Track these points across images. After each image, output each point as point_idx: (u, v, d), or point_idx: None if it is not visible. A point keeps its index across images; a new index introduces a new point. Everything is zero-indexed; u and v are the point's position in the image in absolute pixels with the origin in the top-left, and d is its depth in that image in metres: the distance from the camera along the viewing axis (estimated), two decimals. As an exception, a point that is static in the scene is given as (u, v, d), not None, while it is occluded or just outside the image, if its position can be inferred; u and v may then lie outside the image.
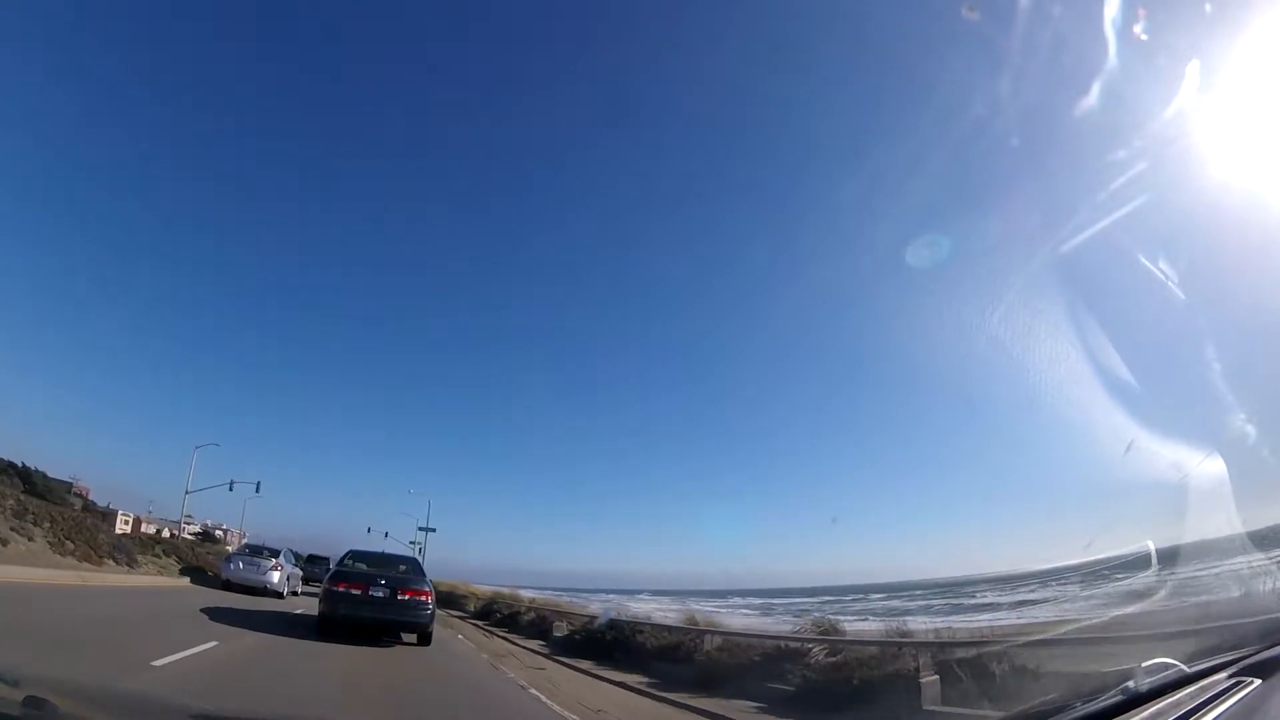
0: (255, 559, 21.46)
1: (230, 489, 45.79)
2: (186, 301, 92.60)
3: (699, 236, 79.09)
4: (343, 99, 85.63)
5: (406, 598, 11.81)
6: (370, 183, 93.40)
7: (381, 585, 11.77)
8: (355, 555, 13.98)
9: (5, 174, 58.21)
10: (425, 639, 12.23)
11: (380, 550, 14.76)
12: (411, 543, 52.36)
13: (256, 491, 47.33)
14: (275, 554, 22.02)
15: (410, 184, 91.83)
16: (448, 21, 74.46)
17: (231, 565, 21.47)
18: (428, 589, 12.42)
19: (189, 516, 51.57)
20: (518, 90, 79.33)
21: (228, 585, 20.54)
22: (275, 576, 20.85)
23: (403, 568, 13.51)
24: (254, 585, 20.22)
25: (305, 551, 36.28)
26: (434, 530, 52.58)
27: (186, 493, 44.55)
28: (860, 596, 54.26)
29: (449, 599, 30.97)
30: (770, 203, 71.72)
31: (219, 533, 66.75)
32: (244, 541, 36.89)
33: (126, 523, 52.57)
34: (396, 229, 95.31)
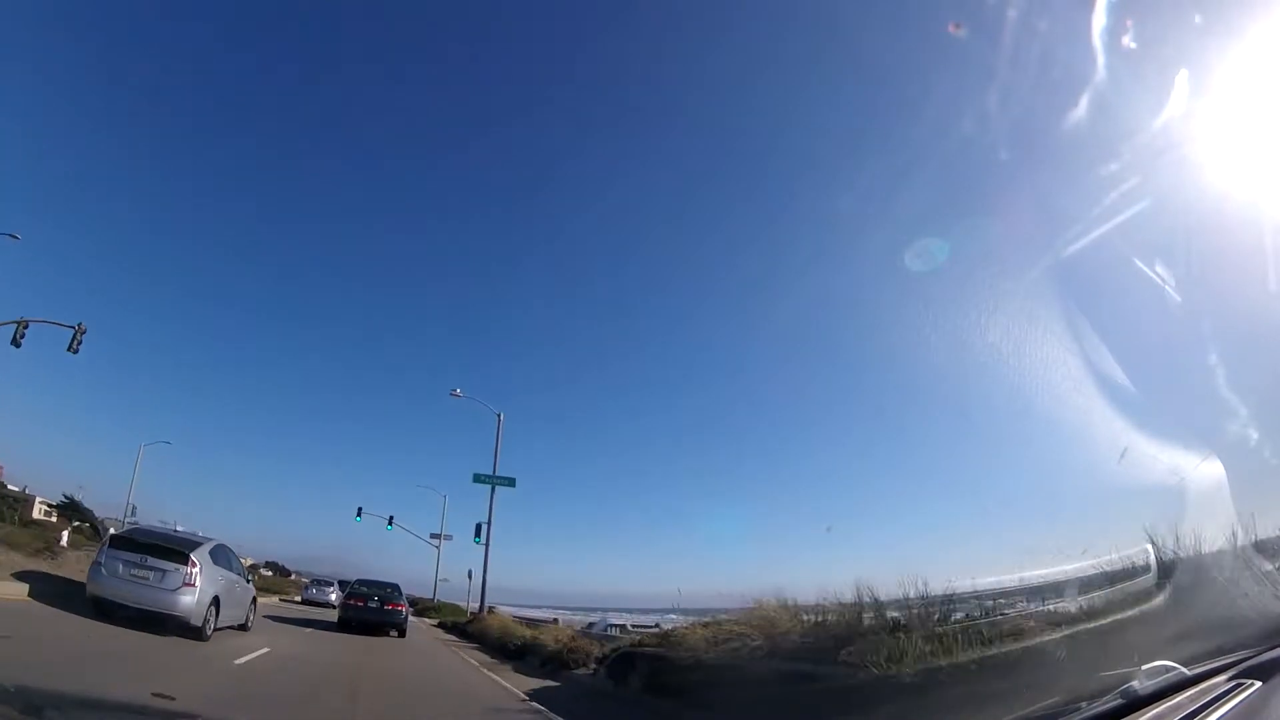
0: (323, 587, 37.07)
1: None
2: (181, 300, 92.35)
3: (698, 241, 79.05)
4: (340, 99, 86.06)
5: (389, 608, 20.01)
6: (375, 188, 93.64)
7: (375, 600, 19.99)
8: (361, 582, 21.61)
9: None
10: (402, 634, 20.11)
11: (378, 579, 22.41)
12: (434, 536, 43.20)
13: (169, 443, 48.93)
14: (331, 584, 36.64)
15: (410, 185, 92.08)
16: (446, 23, 75.00)
17: (309, 591, 38.22)
18: (404, 603, 21.00)
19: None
20: (516, 91, 79.80)
21: (305, 601, 35.74)
22: (333, 597, 33.23)
23: (389, 589, 21.06)
24: (321, 602, 34.16)
25: (311, 572, 52.86)
26: (512, 483, 31.02)
27: None
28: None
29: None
30: (768, 209, 71.92)
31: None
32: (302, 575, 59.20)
33: (49, 513, 37.18)
34: (395, 233, 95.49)
